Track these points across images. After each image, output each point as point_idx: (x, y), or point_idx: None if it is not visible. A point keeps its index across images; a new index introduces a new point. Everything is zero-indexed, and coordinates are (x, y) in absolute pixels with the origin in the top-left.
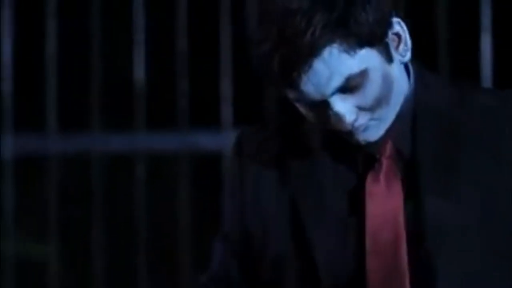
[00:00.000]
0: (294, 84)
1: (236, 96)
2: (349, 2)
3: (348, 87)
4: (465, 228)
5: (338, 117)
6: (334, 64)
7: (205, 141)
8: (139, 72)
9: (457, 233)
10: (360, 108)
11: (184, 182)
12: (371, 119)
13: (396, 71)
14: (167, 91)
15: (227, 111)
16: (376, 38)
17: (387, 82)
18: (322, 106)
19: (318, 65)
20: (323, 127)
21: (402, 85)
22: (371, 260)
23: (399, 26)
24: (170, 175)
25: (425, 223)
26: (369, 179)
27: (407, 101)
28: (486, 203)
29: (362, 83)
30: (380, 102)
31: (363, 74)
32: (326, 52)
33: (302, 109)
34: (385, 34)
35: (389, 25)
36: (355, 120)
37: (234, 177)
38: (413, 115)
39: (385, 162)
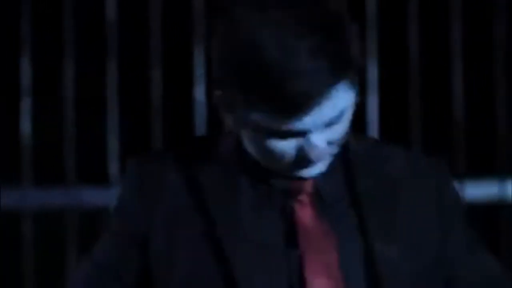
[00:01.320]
0: (297, 117)
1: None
2: (352, 40)
3: (333, 123)
4: (410, 274)
5: (311, 150)
6: (336, 99)
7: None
8: (26, 126)
9: (405, 278)
10: (329, 143)
11: (71, 238)
12: (331, 154)
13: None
14: (55, 145)
15: (114, 167)
16: (356, 76)
17: (350, 120)
18: (298, 138)
19: (326, 102)
20: (277, 160)
21: None
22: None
23: None
24: (57, 231)
25: (378, 269)
26: (296, 212)
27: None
28: (421, 247)
29: (341, 119)
30: (343, 138)
31: (347, 110)
32: (334, 90)
33: (267, 143)
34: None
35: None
36: (323, 148)
37: (133, 202)
38: (346, 165)
39: (307, 198)
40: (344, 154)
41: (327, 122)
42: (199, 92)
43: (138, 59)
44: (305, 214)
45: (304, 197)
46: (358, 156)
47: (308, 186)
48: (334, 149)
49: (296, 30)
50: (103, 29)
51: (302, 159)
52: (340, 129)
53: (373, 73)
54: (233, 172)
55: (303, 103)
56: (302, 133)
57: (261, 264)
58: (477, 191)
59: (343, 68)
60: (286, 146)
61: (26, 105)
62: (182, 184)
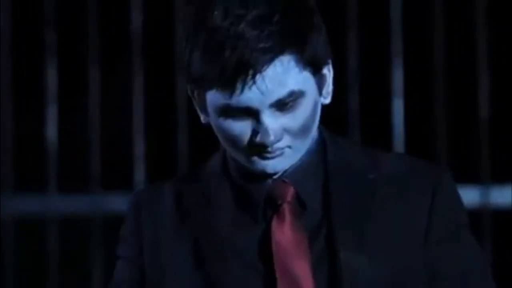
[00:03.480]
0: (240, 86)
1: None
2: (307, 20)
3: (284, 104)
4: (376, 281)
5: (264, 133)
6: (282, 75)
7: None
8: (51, 132)
9: (370, 286)
10: (285, 131)
11: (96, 245)
12: (289, 146)
13: (319, 108)
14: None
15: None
16: (318, 65)
17: (314, 113)
18: (250, 120)
19: (269, 71)
20: (237, 147)
21: (317, 125)
22: None
23: (327, 67)
24: (82, 238)
25: (340, 276)
26: (274, 226)
27: (317, 156)
28: (396, 258)
29: (295, 105)
30: (303, 131)
31: (300, 95)
32: (278, 61)
33: (224, 125)
34: (324, 66)
35: (327, 60)
36: (278, 141)
37: (131, 229)
38: (325, 174)
39: (286, 208)
40: (322, 163)
41: (276, 102)
42: None
43: (163, 66)
44: (282, 230)
45: (284, 208)
46: (338, 163)
47: (288, 195)
48: (294, 142)
49: (244, 1)
50: (128, 35)
51: (259, 144)
52: (297, 118)
53: (398, 77)
54: (217, 188)
55: (243, 71)
56: (253, 113)
57: (239, 282)
58: (503, 197)
59: (288, 42)
60: (242, 128)
61: (51, 112)
62: (170, 209)
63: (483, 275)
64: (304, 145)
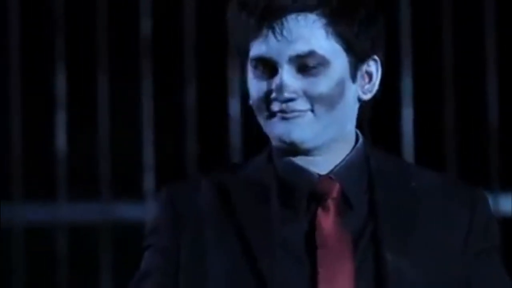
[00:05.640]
0: (265, 32)
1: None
2: (364, 5)
3: (305, 66)
4: (421, 285)
5: (278, 88)
6: (305, 30)
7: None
8: (60, 140)
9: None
10: (305, 94)
11: (105, 253)
12: (311, 110)
13: (351, 96)
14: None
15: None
16: (355, 47)
17: (339, 91)
18: (272, 76)
19: (295, 21)
20: (261, 109)
21: (350, 116)
22: None
23: (376, 66)
24: (92, 246)
25: (386, 278)
26: (319, 219)
27: (361, 158)
28: (437, 265)
29: (318, 72)
30: (325, 102)
31: (324, 63)
32: (307, 15)
33: (253, 86)
34: (367, 56)
35: (373, 52)
36: (294, 100)
37: (165, 222)
38: (369, 177)
39: (331, 203)
40: (367, 165)
41: (296, 57)
42: (234, 108)
43: (172, 74)
44: (327, 222)
45: (329, 202)
46: (381, 168)
47: (334, 191)
48: (317, 108)
49: None
50: (137, 41)
51: (275, 99)
52: (319, 85)
53: (407, 85)
54: (263, 187)
55: (269, 15)
56: (275, 69)
57: (288, 273)
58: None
59: (323, 3)
60: (264, 87)
61: (60, 120)
62: (213, 204)
63: None
64: (329, 119)
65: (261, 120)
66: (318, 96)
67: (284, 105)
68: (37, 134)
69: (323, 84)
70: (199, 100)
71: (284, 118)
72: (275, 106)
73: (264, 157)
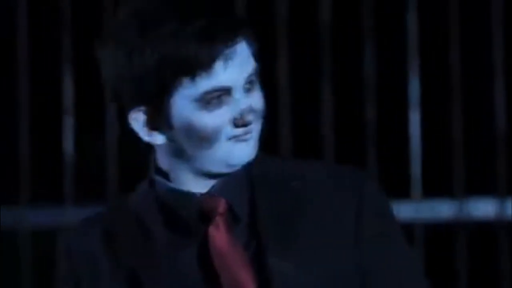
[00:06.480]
0: (219, 64)
1: None
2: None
3: (251, 82)
4: (306, 286)
5: (245, 111)
6: (247, 54)
7: None
8: (68, 145)
9: None
10: (252, 111)
11: None
12: (252, 130)
13: None
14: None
15: None
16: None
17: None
18: (225, 106)
19: (239, 48)
20: (215, 141)
21: None
22: None
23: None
24: None
25: (270, 284)
26: (211, 237)
27: (243, 170)
28: (326, 261)
29: (256, 85)
30: (261, 115)
31: (256, 78)
32: (244, 42)
33: (200, 122)
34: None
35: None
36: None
37: (66, 273)
38: (251, 187)
39: (220, 219)
40: (247, 177)
41: (248, 78)
42: None
43: None
44: (221, 241)
45: (218, 220)
46: (264, 174)
47: (220, 207)
48: (255, 126)
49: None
50: None
51: (242, 125)
52: (260, 99)
53: (415, 89)
54: (146, 216)
55: (218, 49)
56: (229, 94)
57: None
58: None
59: (247, 28)
60: (219, 116)
61: (68, 124)
62: (101, 247)
63: (416, 273)
64: (257, 136)
65: (211, 150)
66: (260, 112)
67: (248, 128)
68: (44, 138)
69: (259, 99)
70: None
71: (243, 140)
72: (239, 130)
73: (146, 187)
